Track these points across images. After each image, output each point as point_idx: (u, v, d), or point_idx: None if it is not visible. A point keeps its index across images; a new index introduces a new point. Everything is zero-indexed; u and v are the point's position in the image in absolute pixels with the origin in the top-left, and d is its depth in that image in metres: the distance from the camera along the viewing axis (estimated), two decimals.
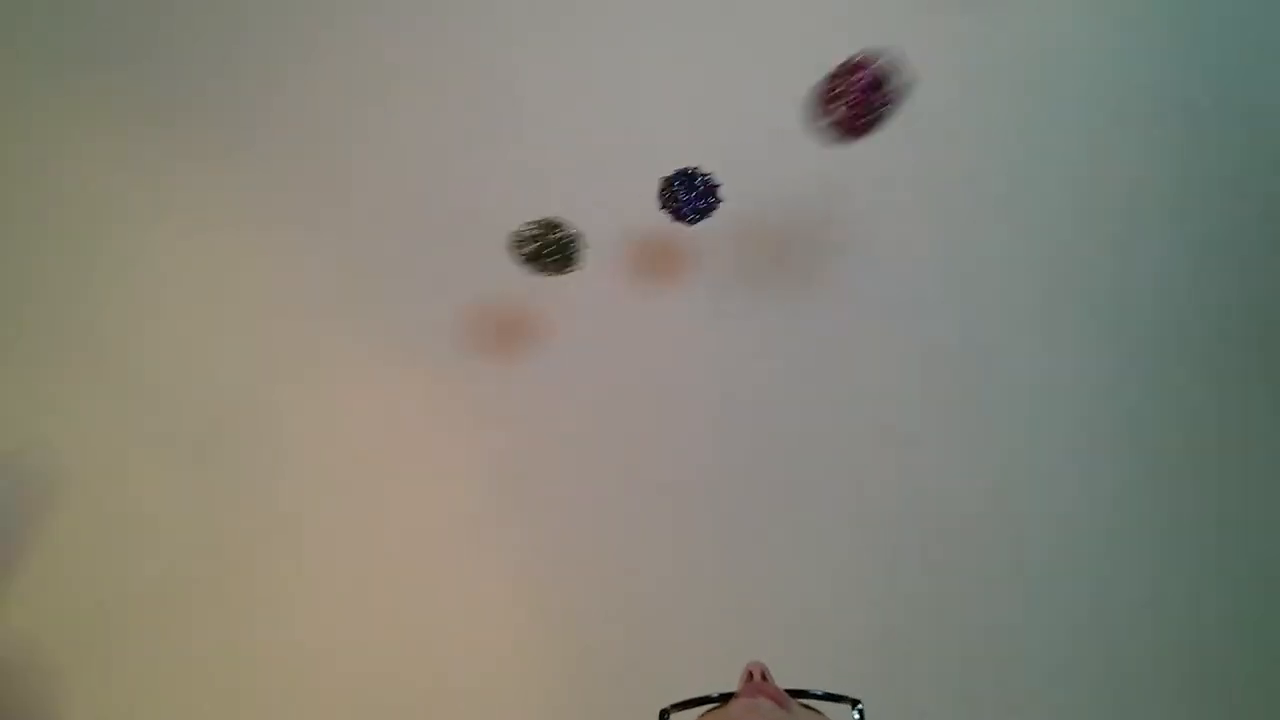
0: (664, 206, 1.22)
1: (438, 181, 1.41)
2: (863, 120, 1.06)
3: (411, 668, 1.29)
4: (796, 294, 1.39)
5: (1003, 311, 1.37)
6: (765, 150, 1.38)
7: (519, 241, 1.18)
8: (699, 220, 1.21)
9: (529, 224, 1.16)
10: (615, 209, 1.37)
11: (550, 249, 1.15)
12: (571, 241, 1.18)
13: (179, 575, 1.29)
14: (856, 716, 0.85)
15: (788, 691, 0.83)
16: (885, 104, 1.06)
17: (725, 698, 0.86)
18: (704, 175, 1.20)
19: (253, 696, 1.27)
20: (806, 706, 0.83)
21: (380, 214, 1.41)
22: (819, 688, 0.84)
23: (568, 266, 1.20)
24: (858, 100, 1.06)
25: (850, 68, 1.08)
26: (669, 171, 1.23)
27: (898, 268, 1.39)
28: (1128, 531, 1.34)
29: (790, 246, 1.40)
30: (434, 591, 1.32)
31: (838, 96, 1.07)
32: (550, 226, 1.16)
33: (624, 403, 1.38)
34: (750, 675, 0.85)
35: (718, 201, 1.21)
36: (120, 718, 1.25)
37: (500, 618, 1.32)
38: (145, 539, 1.30)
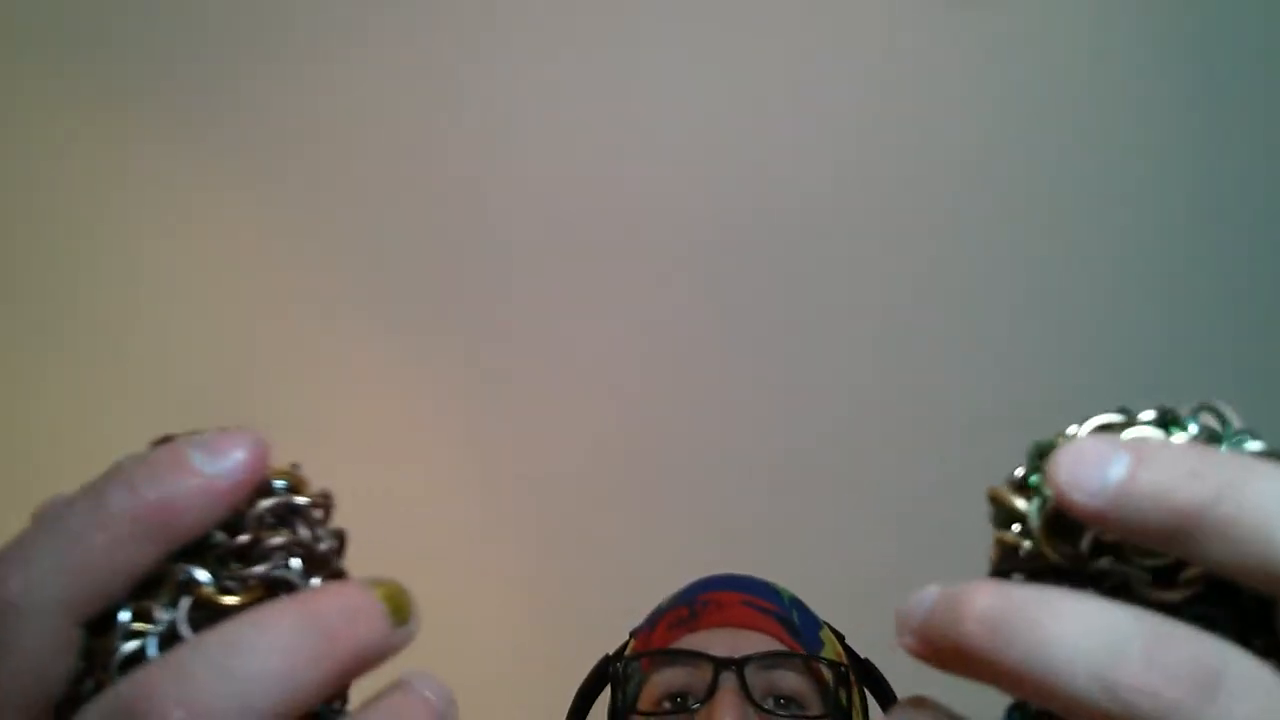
0: None
1: (442, 179, 1.41)
2: None
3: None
4: (796, 288, 1.39)
5: (990, 315, 1.37)
6: (778, 149, 1.38)
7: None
8: None
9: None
10: (620, 209, 1.37)
11: None
12: None
13: None
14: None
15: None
16: None
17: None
18: None
19: None
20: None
21: (383, 212, 1.41)
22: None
23: None
24: None
25: None
26: None
27: (898, 263, 1.40)
28: None
29: (797, 250, 1.40)
30: (438, 592, 1.32)
31: None
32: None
33: (627, 402, 1.37)
34: None
35: None
36: None
37: (503, 621, 1.32)
38: None
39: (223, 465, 0.24)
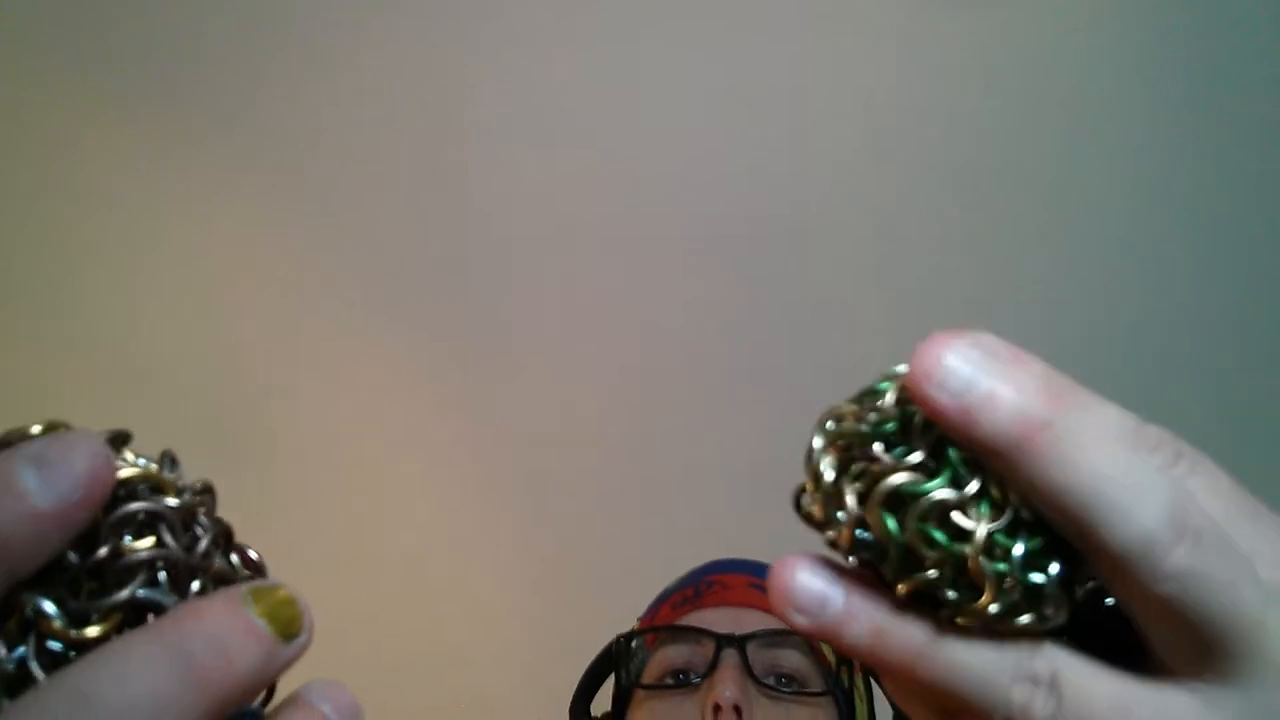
0: None
1: (443, 173, 1.40)
2: None
3: (416, 670, 1.28)
4: (791, 286, 1.39)
5: (989, 313, 1.37)
6: (778, 150, 1.37)
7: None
8: None
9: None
10: (623, 207, 1.37)
11: None
12: None
13: None
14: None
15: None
16: None
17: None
18: None
19: None
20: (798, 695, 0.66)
21: (385, 210, 1.40)
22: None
23: None
24: None
25: None
26: None
27: (893, 259, 1.39)
28: None
29: (795, 252, 1.40)
30: (437, 589, 1.32)
31: None
32: None
33: (628, 400, 1.37)
34: (716, 709, 0.61)
35: None
36: None
37: (502, 617, 1.32)
38: None
39: (59, 486, 0.20)
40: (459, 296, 1.39)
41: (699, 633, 0.67)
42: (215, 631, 0.20)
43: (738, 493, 1.37)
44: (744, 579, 0.73)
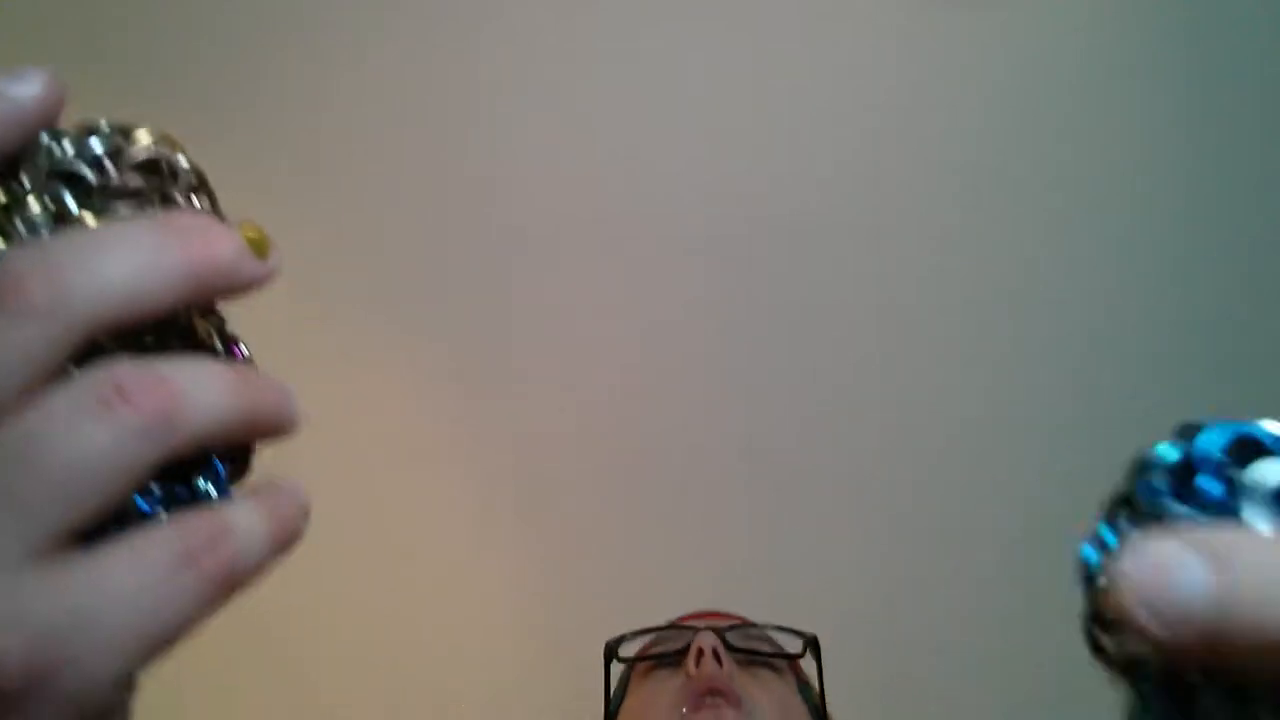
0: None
1: (443, 172, 1.40)
2: None
3: (415, 671, 1.28)
4: (791, 274, 1.39)
5: (988, 314, 1.37)
6: (779, 148, 1.37)
7: None
8: None
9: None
10: (622, 209, 1.37)
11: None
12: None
13: None
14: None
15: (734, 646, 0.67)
16: None
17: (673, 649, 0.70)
18: None
19: (254, 698, 1.28)
20: (768, 664, 0.68)
21: (385, 210, 1.40)
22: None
23: None
24: None
25: None
26: None
27: (893, 258, 1.39)
28: None
29: (796, 244, 1.40)
30: (440, 592, 1.32)
31: None
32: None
33: (628, 395, 1.37)
34: (699, 654, 0.64)
35: None
36: None
37: (504, 622, 1.32)
38: None
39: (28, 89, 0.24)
40: (458, 296, 1.39)
41: (680, 628, 0.71)
42: (204, 223, 0.25)
43: (738, 493, 1.38)
44: (709, 615, 0.76)
